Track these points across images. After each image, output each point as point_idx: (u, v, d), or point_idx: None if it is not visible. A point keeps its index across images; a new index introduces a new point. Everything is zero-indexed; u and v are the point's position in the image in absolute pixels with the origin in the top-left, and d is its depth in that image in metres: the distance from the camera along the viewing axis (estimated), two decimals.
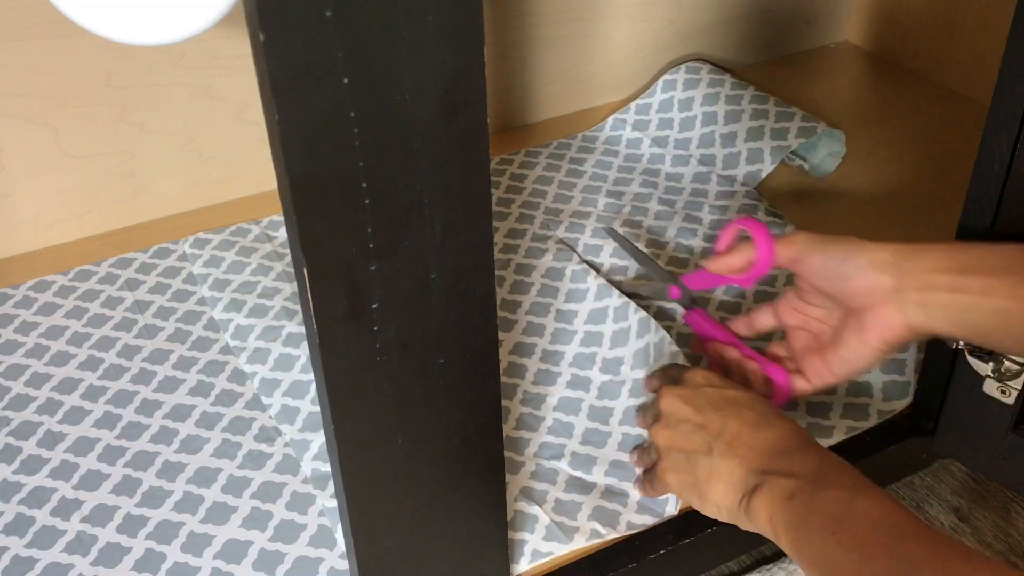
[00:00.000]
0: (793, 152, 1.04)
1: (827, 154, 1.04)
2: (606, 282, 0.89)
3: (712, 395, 0.65)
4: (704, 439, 0.63)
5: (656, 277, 0.87)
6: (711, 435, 0.63)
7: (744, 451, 0.61)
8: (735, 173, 1.03)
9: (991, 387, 0.71)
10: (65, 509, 0.72)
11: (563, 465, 0.75)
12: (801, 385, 0.71)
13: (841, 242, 0.67)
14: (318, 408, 0.78)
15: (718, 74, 1.13)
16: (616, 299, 0.87)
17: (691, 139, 1.07)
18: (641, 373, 0.80)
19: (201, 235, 0.97)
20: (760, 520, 0.59)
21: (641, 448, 0.73)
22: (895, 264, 0.64)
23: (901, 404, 0.79)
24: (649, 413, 0.69)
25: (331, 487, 0.72)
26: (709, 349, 0.78)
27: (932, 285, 0.63)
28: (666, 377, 0.73)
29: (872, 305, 0.65)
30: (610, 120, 1.13)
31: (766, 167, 1.02)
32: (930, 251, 0.64)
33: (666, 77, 1.13)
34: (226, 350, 0.85)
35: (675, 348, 0.81)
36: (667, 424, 0.66)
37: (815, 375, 0.70)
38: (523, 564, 0.68)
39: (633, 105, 1.13)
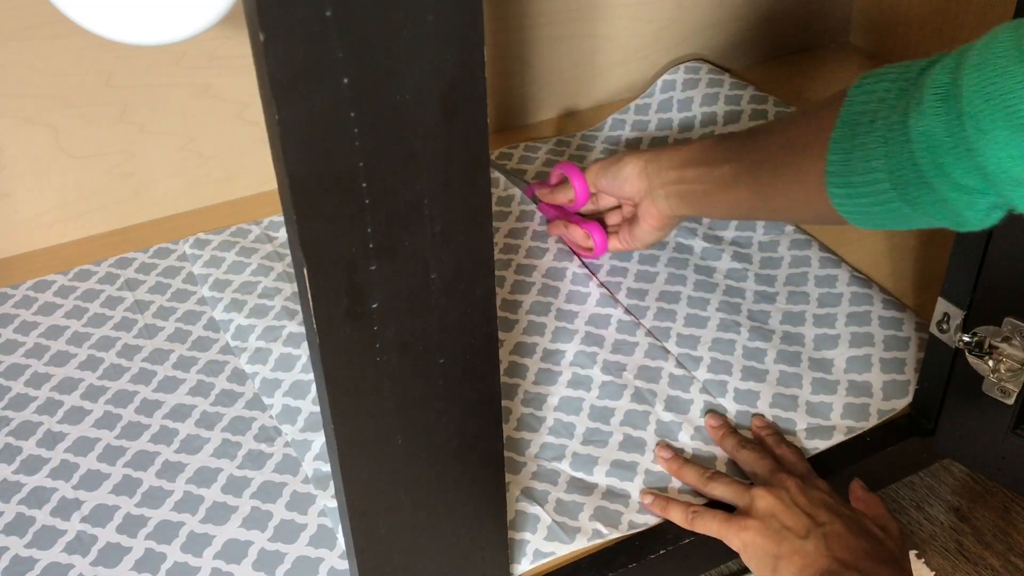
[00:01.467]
0: None
1: None
2: (608, 293, 0.89)
3: (828, 500, 0.68)
4: (806, 524, 0.65)
5: (516, 183, 1.03)
6: (814, 524, 0.65)
7: (837, 547, 0.64)
8: None
9: (991, 387, 0.71)
10: (65, 509, 0.72)
11: (564, 466, 0.75)
12: (615, 243, 0.92)
13: (615, 161, 0.88)
14: (319, 408, 0.78)
15: (717, 74, 1.12)
16: (622, 313, 0.87)
17: (690, 139, 1.07)
18: (645, 384, 0.80)
19: (202, 235, 0.98)
20: None
21: (699, 470, 0.73)
22: (646, 169, 0.85)
23: (901, 403, 0.79)
24: (757, 477, 0.71)
25: (332, 487, 0.72)
26: (552, 222, 0.96)
27: (667, 180, 0.83)
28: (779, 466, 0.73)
29: (639, 201, 0.87)
30: (609, 120, 1.13)
31: None
32: (666, 154, 0.84)
33: (665, 77, 1.13)
34: (226, 350, 0.85)
35: (682, 372, 0.81)
36: (779, 496, 0.67)
37: (624, 240, 0.91)
38: (524, 564, 0.68)
39: (632, 105, 1.13)
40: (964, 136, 0.53)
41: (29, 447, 0.76)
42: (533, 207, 1.00)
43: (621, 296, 0.90)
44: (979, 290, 0.70)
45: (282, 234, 0.98)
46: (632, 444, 0.76)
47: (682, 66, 1.14)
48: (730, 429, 0.76)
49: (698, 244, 0.95)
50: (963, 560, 0.80)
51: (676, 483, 0.73)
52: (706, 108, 1.09)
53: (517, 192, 1.02)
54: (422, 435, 0.54)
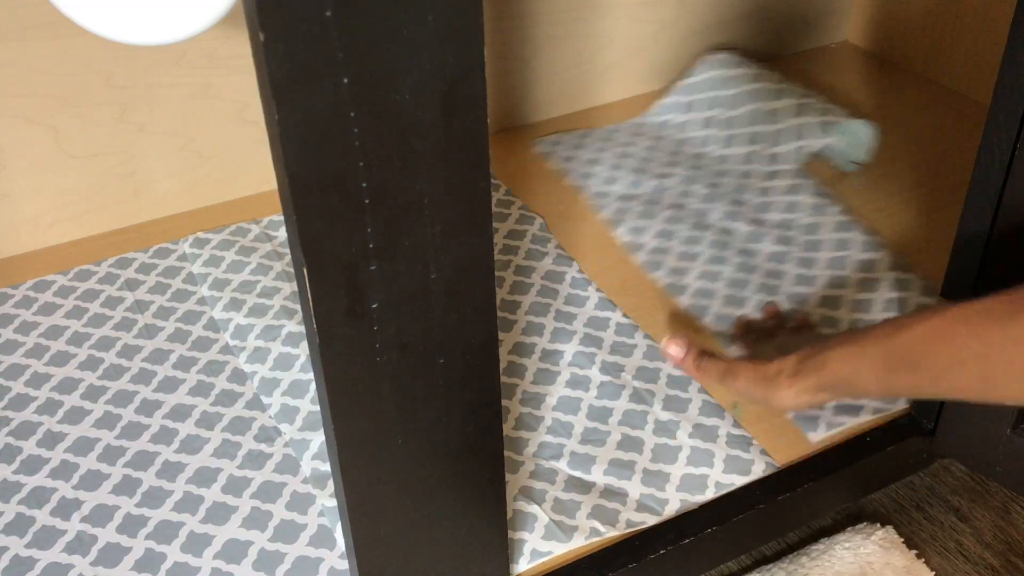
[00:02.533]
0: (825, 139, 1.05)
1: (852, 144, 1.05)
2: (607, 297, 0.89)
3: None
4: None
5: None
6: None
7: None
8: (783, 150, 1.04)
9: None
10: (65, 509, 0.72)
11: (562, 465, 0.75)
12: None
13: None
14: (318, 407, 0.78)
15: (749, 58, 1.14)
16: (621, 316, 0.87)
17: (733, 120, 1.09)
18: (643, 384, 0.81)
19: (201, 235, 0.98)
20: None
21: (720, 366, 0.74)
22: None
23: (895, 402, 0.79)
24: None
25: (331, 487, 0.72)
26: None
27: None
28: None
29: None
30: (654, 105, 1.14)
31: (815, 143, 1.03)
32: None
33: (702, 58, 1.14)
34: (226, 350, 0.85)
35: (680, 372, 0.81)
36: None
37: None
38: (522, 564, 0.68)
39: (676, 87, 1.14)
40: None
41: (29, 447, 0.76)
42: (533, 213, 1.00)
43: (661, 273, 0.91)
44: (979, 290, 0.70)
45: (281, 233, 0.98)
46: (630, 443, 0.76)
47: (719, 52, 1.15)
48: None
49: (742, 228, 0.96)
50: (963, 560, 0.80)
51: (678, 467, 0.73)
52: (746, 86, 1.10)
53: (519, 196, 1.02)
54: (422, 435, 0.54)
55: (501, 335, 0.85)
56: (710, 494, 0.73)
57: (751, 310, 0.87)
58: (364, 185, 0.44)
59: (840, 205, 0.99)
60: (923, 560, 0.79)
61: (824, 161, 1.05)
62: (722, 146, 1.07)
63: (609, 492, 0.73)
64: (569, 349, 0.84)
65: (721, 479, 0.74)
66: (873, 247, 0.93)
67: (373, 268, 0.46)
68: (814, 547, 0.80)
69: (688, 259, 0.93)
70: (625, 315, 0.87)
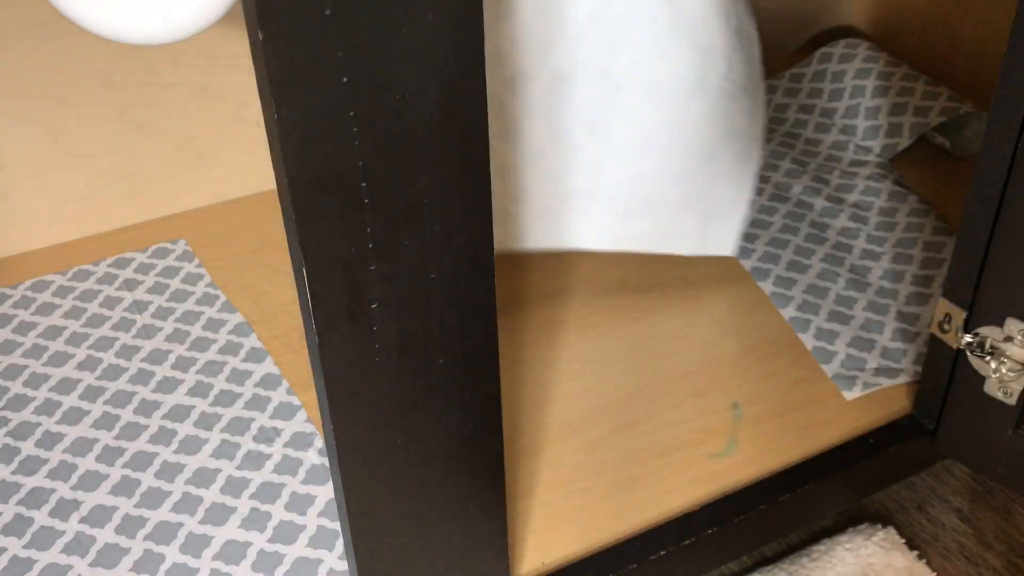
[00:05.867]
0: (935, 129, 1.06)
1: (973, 135, 1.06)
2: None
3: None
4: None
5: None
6: None
7: None
8: (872, 144, 1.06)
9: (992, 387, 0.71)
10: (63, 510, 0.72)
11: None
12: None
13: None
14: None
15: (874, 51, 1.15)
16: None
17: (836, 109, 1.10)
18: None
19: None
20: None
21: None
22: None
23: (888, 382, 0.79)
24: None
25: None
26: None
27: None
28: None
29: None
30: (762, 85, 1.15)
31: (904, 141, 1.05)
32: None
33: (823, 50, 1.16)
34: (225, 350, 0.85)
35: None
36: None
37: None
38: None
39: (787, 73, 1.16)
40: None
41: (28, 447, 0.76)
42: None
43: None
44: (981, 290, 0.70)
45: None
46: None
47: (842, 41, 1.15)
48: None
49: (819, 202, 0.98)
50: (964, 561, 0.80)
51: None
52: (857, 81, 1.11)
53: None
54: (422, 435, 0.54)
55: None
56: None
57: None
58: (364, 185, 0.44)
59: (917, 194, 1.01)
60: (925, 561, 0.79)
61: (939, 147, 1.07)
62: (814, 132, 1.09)
63: None
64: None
65: None
66: (943, 232, 0.95)
67: (373, 268, 0.46)
68: (815, 548, 0.79)
69: (760, 227, 0.95)
70: None
